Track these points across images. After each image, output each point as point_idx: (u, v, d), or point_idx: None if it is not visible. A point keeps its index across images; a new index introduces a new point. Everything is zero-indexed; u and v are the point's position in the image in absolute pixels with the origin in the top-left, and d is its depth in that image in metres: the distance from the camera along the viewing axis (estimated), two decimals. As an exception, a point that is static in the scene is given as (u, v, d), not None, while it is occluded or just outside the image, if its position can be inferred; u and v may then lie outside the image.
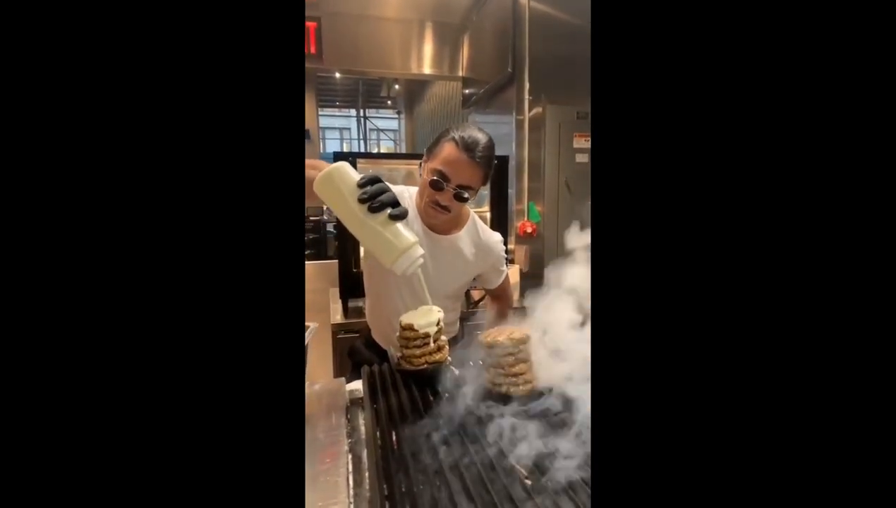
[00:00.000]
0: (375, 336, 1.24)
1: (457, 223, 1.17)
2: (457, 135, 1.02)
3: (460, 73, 3.50)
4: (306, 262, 1.10)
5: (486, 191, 2.38)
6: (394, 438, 0.64)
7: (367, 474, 0.60)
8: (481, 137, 1.03)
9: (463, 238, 1.18)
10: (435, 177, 1.02)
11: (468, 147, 1.01)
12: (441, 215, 1.07)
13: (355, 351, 1.28)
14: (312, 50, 3.16)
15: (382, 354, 1.15)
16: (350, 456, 0.65)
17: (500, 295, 1.35)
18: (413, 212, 1.12)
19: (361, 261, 1.25)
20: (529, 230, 2.44)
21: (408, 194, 1.15)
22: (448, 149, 1.02)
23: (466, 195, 1.04)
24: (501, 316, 1.25)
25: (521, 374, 0.73)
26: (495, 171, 2.24)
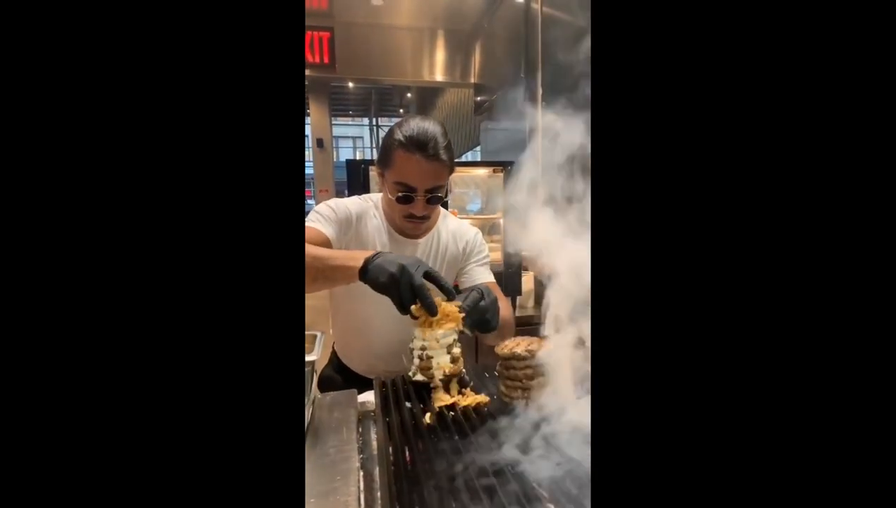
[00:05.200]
0: (354, 363, 1.13)
1: (432, 221, 1.09)
2: (402, 136, 0.89)
3: (472, 80, 3.50)
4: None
5: (498, 198, 2.35)
6: (407, 455, 0.62)
7: (378, 494, 0.57)
8: (429, 128, 0.90)
9: (438, 233, 1.10)
10: (401, 193, 0.91)
11: (420, 145, 0.88)
12: (423, 225, 0.99)
13: (329, 382, 1.12)
14: (325, 60, 3.20)
15: (361, 382, 1.01)
16: (361, 474, 0.62)
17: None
18: (381, 223, 1.04)
19: (331, 293, 1.14)
20: (543, 236, 2.40)
21: (364, 206, 1.05)
22: (401, 157, 0.90)
23: (440, 195, 0.94)
24: (506, 322, 1.05)
25: (539, 388, 0.70)
26: (508, 177, 2.22)
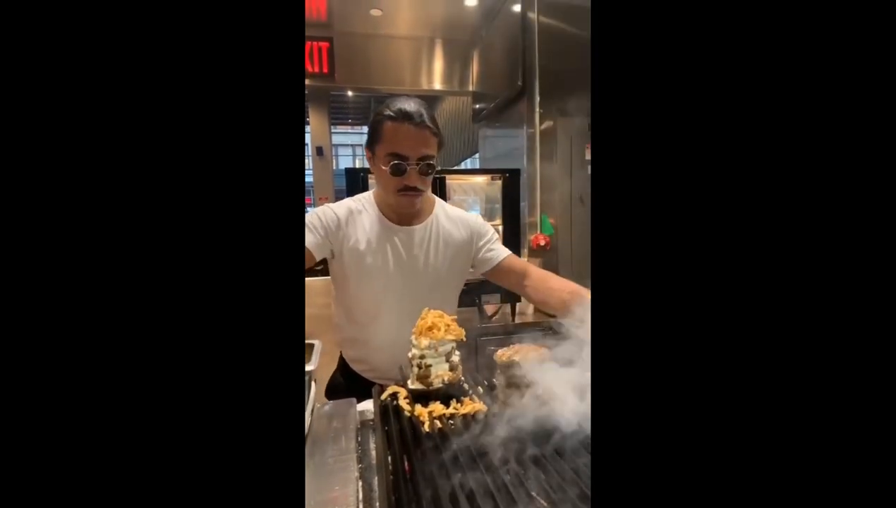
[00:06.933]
0: (363, 368, 1.11)
1: (427, 207, 1.09)
2: (390, 111, 0.94)
3: (470, 89, 3.53)
4: (315, 278, 1.06)
5: (497, 205, 2.36)
6: (406, 464, 0.61)
7: (377, 504, 0.57)
8: (414, 102, 0.95)
9: (437, 219, 1.09)
10: (394, 162, 0.94)
11: (408, 116, 0.93)
12: (416, 199, 1.00)
13: (336, 389, 1.12)
14: (325, 69, 3.23)
15: (367, 388, 0.98)
16: (360, 483, 0.62)
17: (521, 271, 1.11)
18: (375, 215, 1.05)
19: (333, 297, 1.12)
20: (542, 243, 2.41)
21: (354, 206, 1.06)
22: (390, 128, 0.94)
23: (432, 163, 0.97)
24: (556, 285, 1.03)
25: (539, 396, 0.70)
26: (507, 184, 2.23)
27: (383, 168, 0.96)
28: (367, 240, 1.03)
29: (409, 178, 0.96)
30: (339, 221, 1.03)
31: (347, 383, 1.11)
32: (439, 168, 1.01)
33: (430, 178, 1.00)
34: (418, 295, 1.05)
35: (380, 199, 1.07)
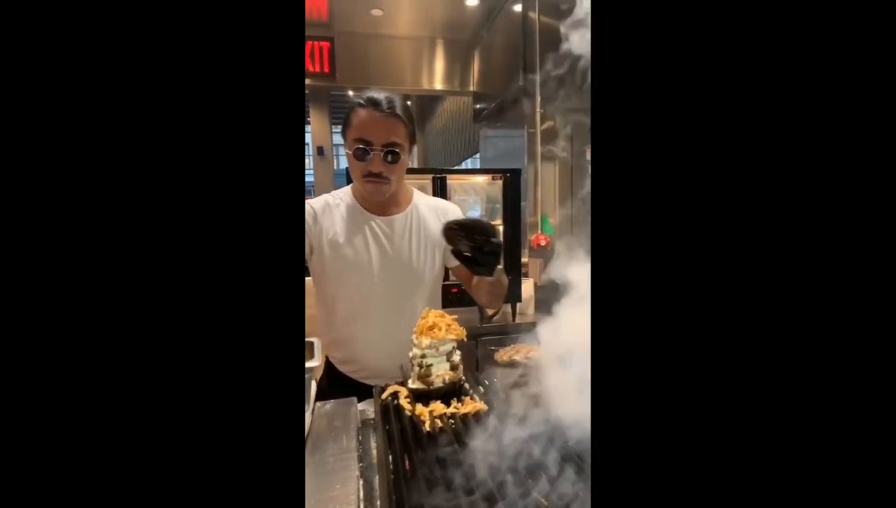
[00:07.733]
0: (352, 369, 1.08)
1: (404, 198, 1.09)
2: (360, 99, 0.97)
3: (471, 88, 3.53)
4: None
5: (498, 205, 2.36)
6: (406, 463, 0.61)
7: (378, 502, 0.57)
8: (385, 92, 0.98)
9: (416, 209, 1.09)
10: (357, 147, 0.96)
11: (375, 103, 0.95)
12: (383, 186, 0.99)
13: (323, 394, 1.06)
14: (326, 69, 3.23)
15: (360, 390, 0.93)
16: (361, 482, 0.62)
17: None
18: (354, 206, 1.05)
19: (315, 299, 1.09)
20: (543, 243, 2.41)
21: (332, 200, 1.07)
22: (357, 114, 0.96)
23: (397, 151, 0.97)
24: (497, 283, 1.01)
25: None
26: (508, 184, 2.23)
27: (349, 152, 0.98)
28: (346, 232, 1.03)
29: (373, 164, 0.96)
30: (316, 215, 1.04)
31: (334, 387, 1.08)
32: (405, 155, 1.01)
33: (396, 166, 0.99)
34: (404, 286, 1.04)
35: (356, 190, 1.07)
